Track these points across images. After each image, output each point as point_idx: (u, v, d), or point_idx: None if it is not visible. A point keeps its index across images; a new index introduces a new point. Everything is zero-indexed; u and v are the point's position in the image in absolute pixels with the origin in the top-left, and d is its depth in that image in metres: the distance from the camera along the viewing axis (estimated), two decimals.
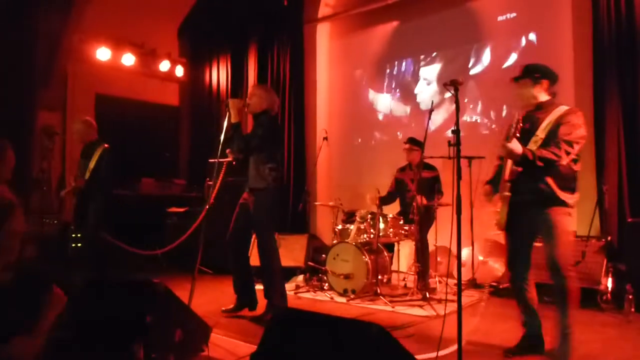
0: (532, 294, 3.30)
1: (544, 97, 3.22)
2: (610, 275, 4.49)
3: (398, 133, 6.90)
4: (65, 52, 7.24)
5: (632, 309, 4.14)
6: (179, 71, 8.72)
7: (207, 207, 5.91)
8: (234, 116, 4.09)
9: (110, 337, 2.49)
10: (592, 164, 4.96)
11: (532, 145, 3.06)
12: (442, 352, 3.13)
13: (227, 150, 4.22)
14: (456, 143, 2.60)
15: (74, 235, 6.42)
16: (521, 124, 3.05)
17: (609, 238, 4.66)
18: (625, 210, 4.71)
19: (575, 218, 5.15)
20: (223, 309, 4.23)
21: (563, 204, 3.06)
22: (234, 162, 4.38)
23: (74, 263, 5.94)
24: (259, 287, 4.27)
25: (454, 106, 2.85)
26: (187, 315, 3.00)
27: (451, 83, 2.81)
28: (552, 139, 3.04)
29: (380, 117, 7.14)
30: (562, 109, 3.14)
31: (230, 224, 4.24)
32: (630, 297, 4.12)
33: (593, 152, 4.97)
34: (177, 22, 8.92)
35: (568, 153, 3.01)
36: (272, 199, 4.13)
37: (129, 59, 7.98)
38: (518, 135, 3.01)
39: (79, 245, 6.36)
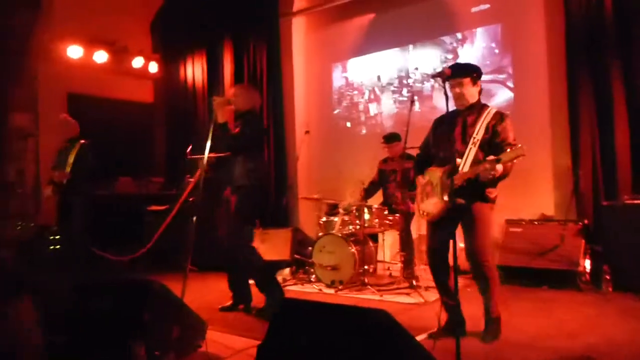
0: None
1: (476, 97, 3.36)
2: (587, 256, 4.66)
3: (378, 124, 6.97)
4: (35, 51, 7.05)
5: (610, 289, 4.31)
6: (153, 67, 8.58)
7: (179, 203, 5.92)
8: (221, 116, 4.11)
9: (110, 337, 2.48)
10: (568, 151, 5.14)
11: (472, 147, 3.22)
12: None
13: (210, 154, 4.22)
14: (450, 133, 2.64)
15: (52, 238, 6.31)
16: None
17: (586, 221, 4.82)
18: (600, 194, 4.88)
19: (552, 202, 5.35)
20: (220, 307, 4.24)
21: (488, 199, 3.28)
22: (213, 161, 4.38)
23: (53, 266, 5.85)
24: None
25: (439, 95, 2.91)
26: (184, 311, 3.01)
27: (439, 74, 2.86)
28: (492, 139, 3.21)
29: (361, 108, 7.20)
30: (492, 111, 3.31)
31: (221, 221, 4.25)
32: (607, 277, 4.29)
33: (568, 139, 5.14)
34: (149, 18, 8.77)
35: None
36: (255, 197, 4.18)
37: (101, 57, 7.83)
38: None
39: (57, 247, 6.25)
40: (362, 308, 1.95)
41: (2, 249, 6.15)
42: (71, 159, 5.17)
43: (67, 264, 5.50)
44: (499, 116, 3.29)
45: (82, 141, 5.32)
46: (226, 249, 4.23)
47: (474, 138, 3.22)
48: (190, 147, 6.31)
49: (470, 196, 3.17)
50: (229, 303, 4.25)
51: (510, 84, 5.90)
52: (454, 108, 3.36)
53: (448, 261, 3.30)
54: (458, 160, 3.20)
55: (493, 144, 3.20)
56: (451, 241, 2.88)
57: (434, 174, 3.36)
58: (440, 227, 3.29)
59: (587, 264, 4.64)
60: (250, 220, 4.30)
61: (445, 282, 3.34)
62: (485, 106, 3.38)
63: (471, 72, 3.35)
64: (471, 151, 3.21)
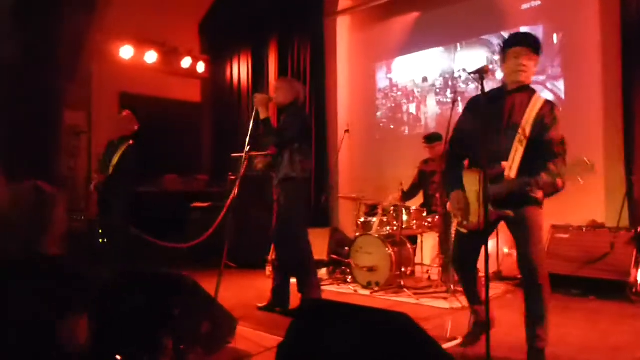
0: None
1: (531, 79, 2.91)
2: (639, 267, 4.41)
3: (421, 125, 6.86)
4: (89, 51, 7.34)
5: None
6: (201, 68, 8.79)
7: (230, 200, 5.99)
8: (262, 112, 4.10)
9: (138, 329, 2.53)
10: (621, 154, 4.87)
11: (519, 145, 2.74)
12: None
13: (268, 149, 4.22)
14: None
15: (100, 231, 6.56)
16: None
17: (639, 229, 4.55)
18: None
19: (604, 208, 5.08)
20: (259, 305, 4.21)
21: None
22: (269, 156, 4.33)
23: (102, 258, 6.07)
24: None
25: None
26: (214, 307, 3.04)
27: (477, 71, 2.75)
28: (540, 137, 2.74)
29: (404, 108, 7.10)
30: (541, 99, 2.85)
31: (273, 219, 4.21)
32: None
33: (622, 141, 4.88)
34: (198, 19, 8.99)
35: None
36: (302, 190, 4.10)
37: (151, 57, 8.07)
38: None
39: (105, 240, 6.49)
40: (383, 310, 1.90)
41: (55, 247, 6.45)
42: (115, 160, 5.28)
43: (112, 257, 5.69)
44: (549, 107, 2.80)
45: (130, 142, 5.42)
46: (276, 247, 4.23)
47: (520, 135, 2.73)
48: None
49: (518, 202, 2.77)
50: (265, 303, 4.20)
51: (550, 85, 5.67)
52: (498, 86, 2.93)
53: (477, 268, 3.13)
54: (503, 162, 2.73)
55: (539, 141, 2.73)
56: (483, 247, 2.74)
57: (474, 178, 2.85)
58: (476, 235, 2.91)
59: (639, 274, 4.38)
60: (303, 213, 4.17)
61: (475, 290, 3.13)
62: (534, 92, 2.88)
63: (539, 46, 2.84)
64: (518, 152, 2.73)
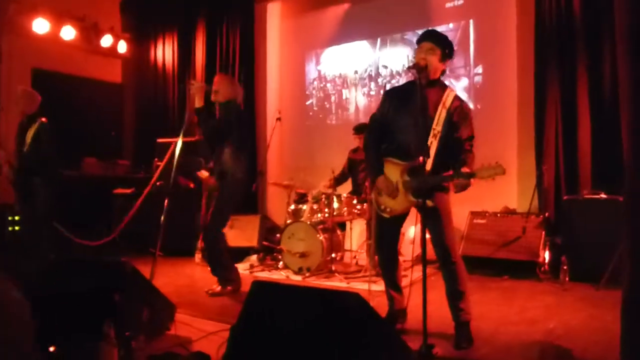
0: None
1: (438, 74, 3.04)
2: (547, 248, 4.84)
3: (350, 114, 7.02)
4: None
5: (567, 279, 4.49)
6: (122, 47, 8.36)
7: (149, 187, 5.84)
8: (199, 100, 4.06)
9: (79, 317, 2.45)
10: (532, 147, 5.29)
11: (433, 140, 2.94)
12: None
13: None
14: (421, 125, 2.68)
15: (10, 218, 6.12)
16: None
17: (547, 214, 5.01)
18: (561, 188, 5.07)
19: (516, 196, 5.52)
20: (208, 291, 4.25)
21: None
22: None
23: (15, 247, 5.69)
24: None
25: None
26: (154, 294, 3.00)
27: (414, 66, 2.89)
28: (451, 133, 2.96)
29: (333, 98, 7.22)
30: (452, 94, 3.02)
31: (204, 211, 4.25)
32: (565, 267, 4.46)
33: (533, 134, 5.30)
34: None
35: None
36: (239, 187, 4.17)
37: (68, 33, 7.57)
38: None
39: (17, 228, 6.07)
40: (336, 291, 1.99)
41: None
42: (29, 138, 4.96)
43: (28, 245, 5.35)
44: (459, 104, 2.99)
45: (42, 119, 5.08)
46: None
47: (435, 130, 2.92)
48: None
49: (431, 190, 2.97)
50: (217, 288, 4.24)
51: (468, 80, 6.07)
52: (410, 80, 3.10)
53: (398, 254, 3.38)
54: (421, 157, 2.82)
55: (450, 137, 2.96)
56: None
57: (395, 170, 3.04)
58: (395, 221, 3.17)
59: (547, 255, 4.82)
60: (232, 210, 4.28)
61: (394, 275, 3.32)
62: (446, 87, 3.06)
63: (445, 45, 2.99)
64: (432, 145, 2.93)
